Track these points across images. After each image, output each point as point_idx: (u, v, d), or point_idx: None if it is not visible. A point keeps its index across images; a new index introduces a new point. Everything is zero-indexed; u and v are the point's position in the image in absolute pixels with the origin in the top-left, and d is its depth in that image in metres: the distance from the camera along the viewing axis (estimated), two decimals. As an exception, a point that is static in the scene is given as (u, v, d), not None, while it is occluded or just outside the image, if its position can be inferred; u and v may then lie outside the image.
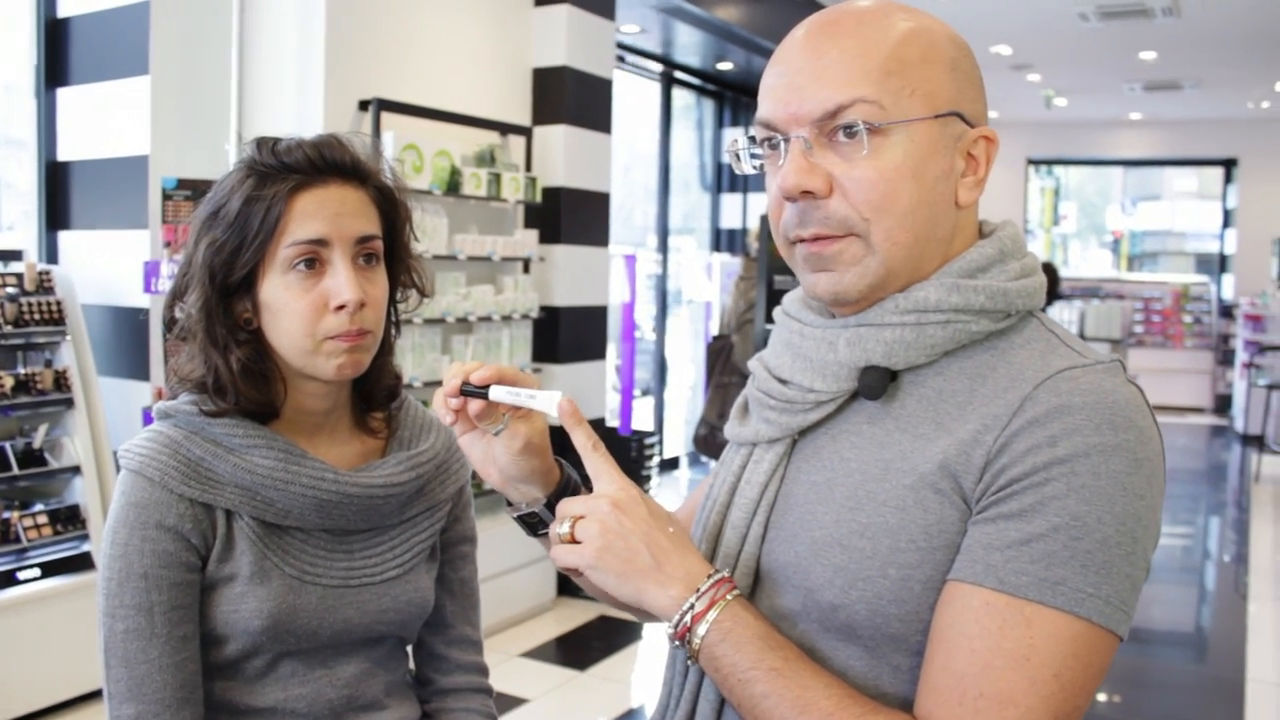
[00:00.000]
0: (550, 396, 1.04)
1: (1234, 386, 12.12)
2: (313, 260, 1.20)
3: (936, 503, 0.96)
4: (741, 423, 1.16)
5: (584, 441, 1.05)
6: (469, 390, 1.06)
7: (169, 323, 1.28)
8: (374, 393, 1.35)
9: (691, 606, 0.97)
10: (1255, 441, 10.26)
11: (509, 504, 1.17)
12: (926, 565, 0.96)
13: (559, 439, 1.13)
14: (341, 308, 1.20)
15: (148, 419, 3.86)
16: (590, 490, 1.07)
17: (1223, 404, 12.95)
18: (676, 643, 0.99)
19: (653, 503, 1.07)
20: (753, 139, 1.09)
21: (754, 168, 1.10)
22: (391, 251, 1.30)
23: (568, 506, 1.03)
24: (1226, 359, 12.89)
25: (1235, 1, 7.99)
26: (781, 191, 1.02)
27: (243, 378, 1.22)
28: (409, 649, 1.44)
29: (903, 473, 0.99)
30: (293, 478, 1.22)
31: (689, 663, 1.07)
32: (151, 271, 3.90)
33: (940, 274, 1.03)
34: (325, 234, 1.20)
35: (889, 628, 0.97)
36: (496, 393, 1.05)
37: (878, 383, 1.02)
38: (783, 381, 1.09)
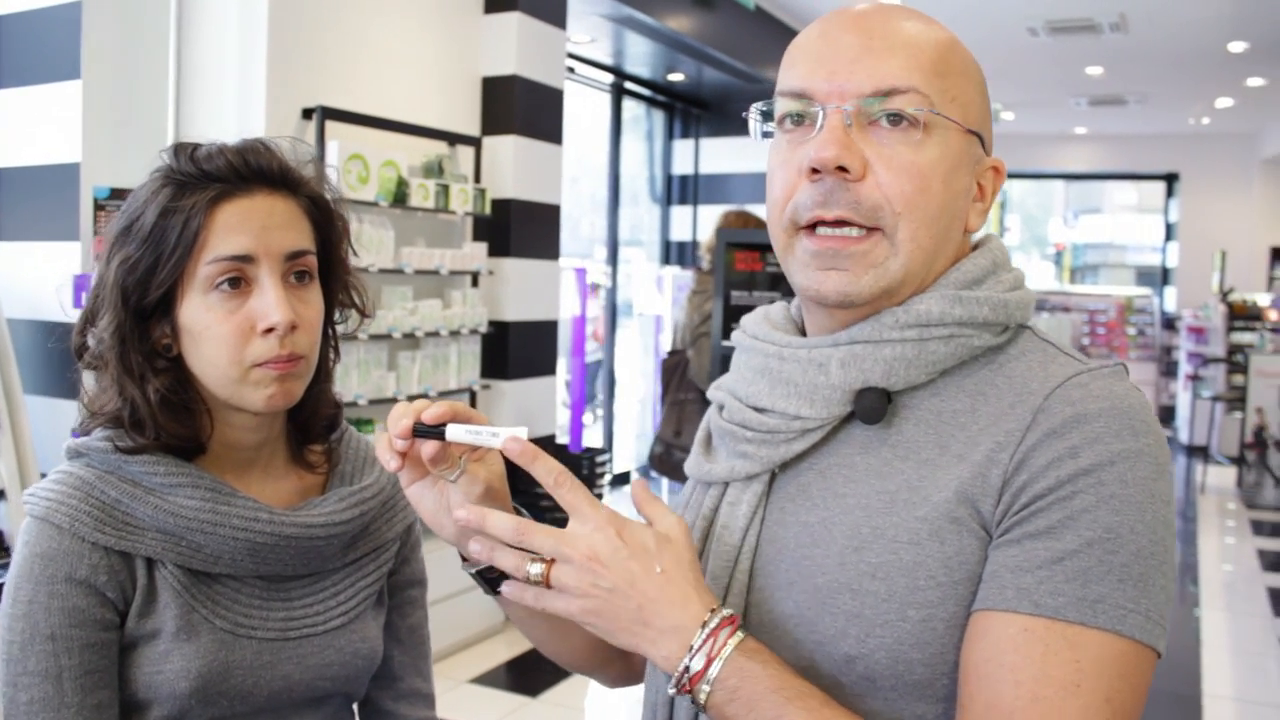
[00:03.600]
0: (513, 434, 0.91)
1: (1177, 398, 12.25)
2: (237, 279, 1.08)
3: (954, 533, 0.88)
4: (706, 458, 1.07)
5: (548, 479, 0.90)
6: (422, 431, 0.93)
7: (78, 350, 1.14)
8: (311, 424, 1.23)
9: (687, 669, 0.86)
10: (1200, 453, 10.37)
11: (464, 559, 1.01)
12: (949, 602, 0.87)
13: (510, 475, 1.02)
14: (270, 331, 1.08)
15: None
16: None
17: (1166, 415, 13.10)
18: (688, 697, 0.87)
19: (642, 529, 0.91)
20: (765, 114, 1.00)
21: (764, 135, 1.02)
22: (327, 268, 1.18)
23: (537, 539, 0.88)
24: (1170, 371, 13.03)
25: (1180, 18, 8.07)
26: (814, 162, 0.92)
27: (162, 410, 1.09)
28: (355, 707, 1.30)
29: (911, 504, 0.90)
30: (222, 519, 1.09)
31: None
32: (82, 285, 3.73)
33: (938, 286, 0.96)
34: (250, 249, 1.08)
35: (912, 674, 0.88)
36: (454, 432, 0.92)
37: (876, 406, 0.94)
38: (760, 410, 0.99)
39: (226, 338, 1.08)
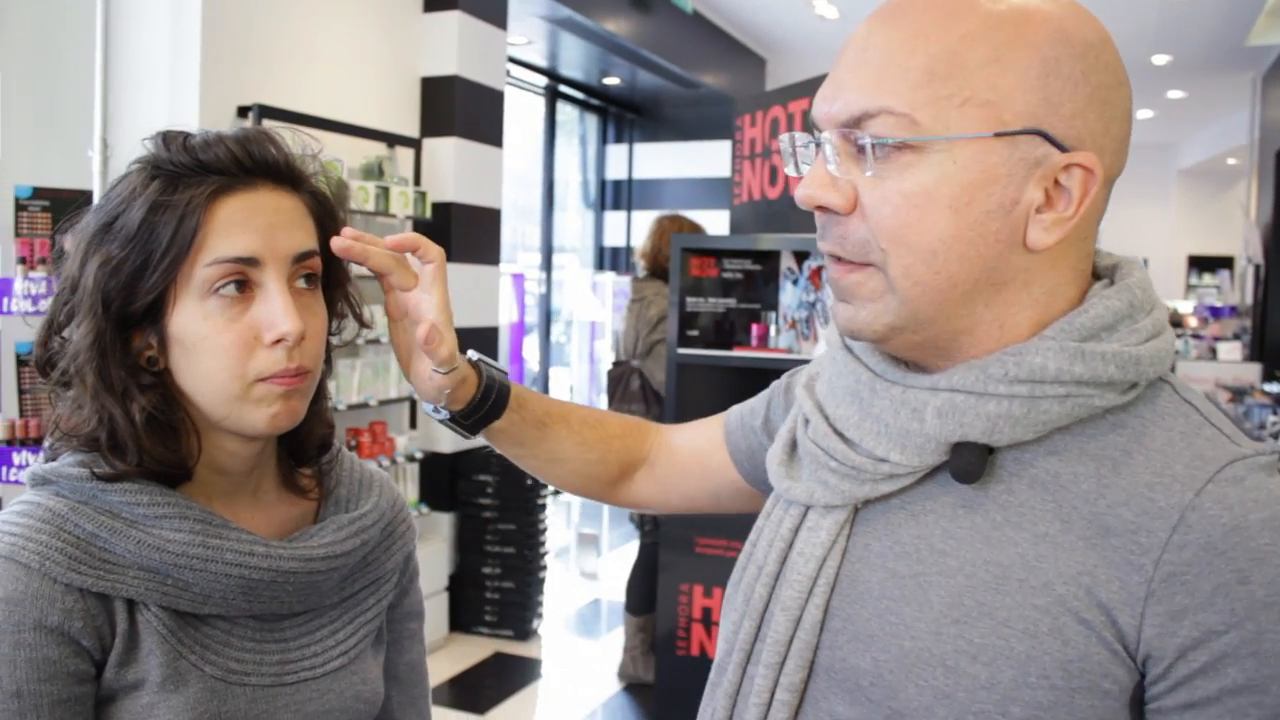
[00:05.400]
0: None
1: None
2: (241, 282, 0.96)
3: (1080, 635, 0.78)
4: (789, 471, 0.95)
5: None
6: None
7: (43, 364, 1.00)
8: (305, 445, 1.10)
9: None
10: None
11: (444, 411, 1.14)
12: (1061, 710, 0.77)
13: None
14: (279, 341, 0.96)
15: (1, 457, 3.47)
16: (506, 375, 1.18)
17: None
18: None
19: None
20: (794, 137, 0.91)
21: (799, 171, 0.91)
22: (328, 272, 1.07)
23: None
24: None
25: (1106, 29, 8.19)
26: (797, 201, 0.86)
27: (148, 431, 0.95)
28: None
29: (1030, 587, 0.80)
30: (213, 554, 0.95)
31: None
32: (3, 290, 3.52)
33: (1057, 333, 0.83)
34: (256, 250, 0.95)
35: None
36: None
37: (976, 464, 0.83)
38: (846, 440, 0.89)
39: (228, 349, 0.95)
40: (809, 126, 0.90)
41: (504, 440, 1.21)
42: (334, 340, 1.12)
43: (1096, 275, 0.90)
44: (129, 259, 0.93)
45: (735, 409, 1.24)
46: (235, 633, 1.01)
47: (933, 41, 0.81)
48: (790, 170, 0.92)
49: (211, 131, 0.98)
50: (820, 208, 0.85)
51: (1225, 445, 0.81)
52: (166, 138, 0.97)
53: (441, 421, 1.16)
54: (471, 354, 1.17)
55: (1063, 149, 0.81)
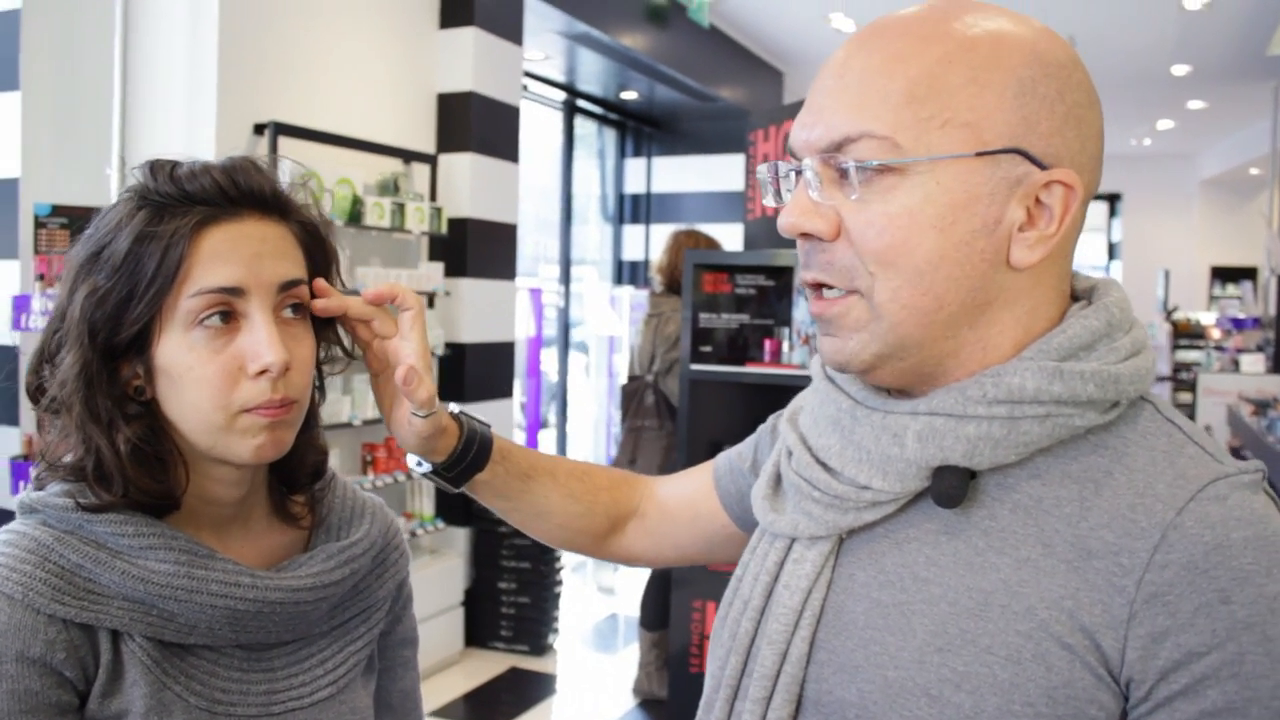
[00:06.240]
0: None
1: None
2: (226, 313, 0.95)
3: (1064, 661, 0.76)
4: (774, 504, 0.95)
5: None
6: None
7: (34, 391, 1.00)
8: (297, 473, 1.10)
9: None
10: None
11: (427, 466, 1.16)
12: None
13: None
14: (263, 372, 0.95)
15: (17, 471, 3.50)
16: (489, 428, 1.18)
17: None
18: None
19: None
20: (774, 167, 0.91)
21: (780, 200, 0.91)
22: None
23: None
24: (1116, 389, 13.18)
25: (1126, 41, 8.17)
26: (780, 230, 0.85)
27: (133, 462, 0.95)
28: None
29: (1012, 613, 0.79)
30: (198, 585, 0.95)
31: None
32: (21, 306, 3.55)
33: (1035, 354, 0.83)
34: (241, 280, 0.95)
35: None
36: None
37: (957, 488, 0.82)
38: (828, 469, 0.89)
39: (211, 380, 0.95)
40: (790, 154, 0.90)
41: (488, 493, 1.20)
42: (325, 370, 1.12)
43: (1075, 297, 0.91)
44: (115, 289, 0.93)
45: (723, 455, 1.24)
46: (221, 662, 1.00)
47: (911, 65, 0.81)
48: (769, 200, 0.92)
49: (198, 161, 0.98)
50: (804, 234, 0.85)
51: (1209, 464, 0.80)
52: (154, 167, 0.97)
53: (425, 475, 1.17)
54: (453, 407, 1.18)
55: (1042, 167, 0.82)
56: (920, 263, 0.81)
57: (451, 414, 1.16)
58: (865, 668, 0.84)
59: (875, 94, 0.81)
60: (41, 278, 3.52)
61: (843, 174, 0.82)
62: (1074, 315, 0.86)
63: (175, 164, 0.97)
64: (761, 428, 1.19)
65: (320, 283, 1.04)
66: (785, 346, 3.51)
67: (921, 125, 0.80)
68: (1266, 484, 0.82)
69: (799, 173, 0.86)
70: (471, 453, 1.15)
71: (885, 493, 0.85)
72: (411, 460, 1.16)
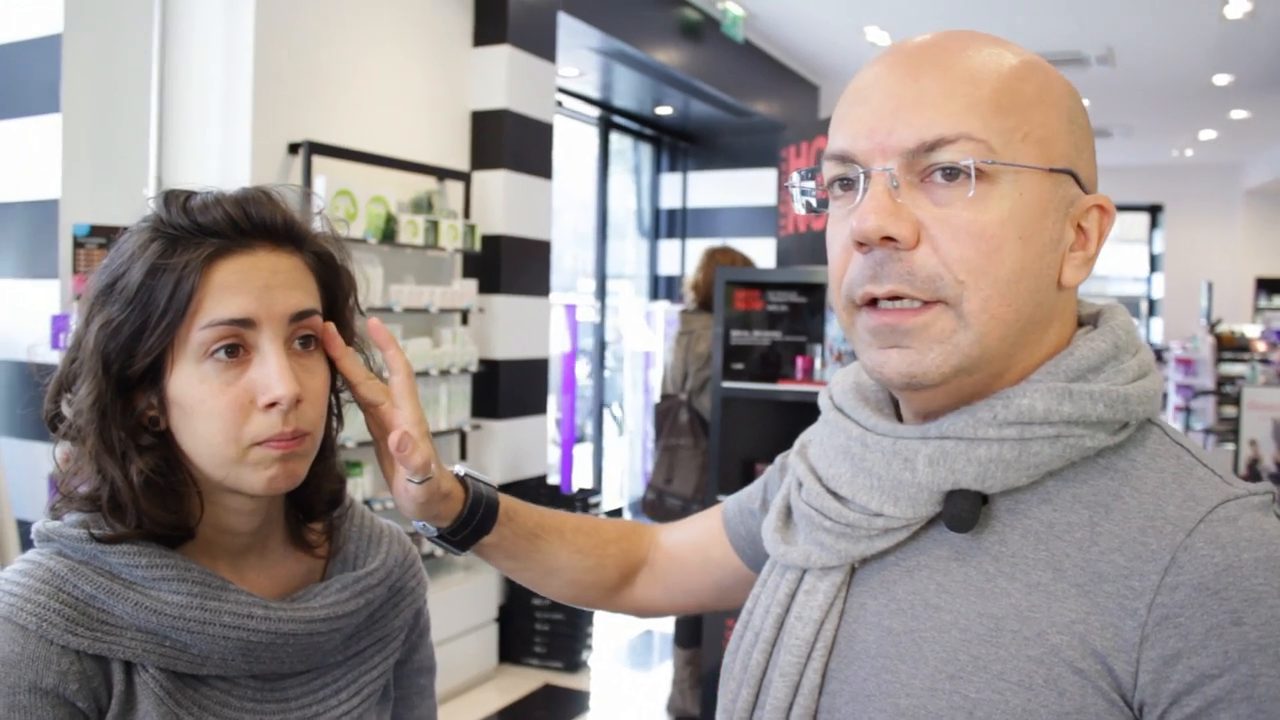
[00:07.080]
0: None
1: (1167, 431, 12.18)
2: (235, 346, 0.95)
3: (1076, 686, 0.75)
4: (784, 536, 0.95)
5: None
6: None
7: (52, 419, 1.01)
8: (313, 502, 1.10)
9: None
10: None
11: (432, 530, 1.13)
12: None
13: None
14: (273, 405, 0.95)
15: (54, 486, 3.54)
16: (494, 489, 1.15)
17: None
18: None
19: None
20: (810, 173, 0.89)
21: (808, 207, 0.90)
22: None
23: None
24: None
25: (1166, 51, 8.07)
26: (856, 236, 0.81)
27: (146, 494, 0.95)
28: None
29: (1023, 638, 0.77)
30: (211, 616, 0.95)
31: None
32: (60, 325, 3.60)
33: (1043, 375, 0.83)
34: (251, 312, 0.95)
35: None
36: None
37: (969, 512, 0.81)
38: (839, 498, 0.88)
39: (222, 412, 0.95)
40: (820, 164, 0.89)
41: (496, 555, 1.18)
42: (344, 396, 1.12)
43: (1080, 323, 0.91)
44: (128, 321, 0.94)
45: (731, 498, 1.22)
46: (235, 693, 1.00)
47: (993, 76, 0.82)
48: (799, 208, 0.91)
49: (212, 192, 0.98)
50: (885, 239, 0.82)
51: (1218, 485, 0.79)
52: (168, 198, 0.97)
53: (431, 539, 1.14)
54: (459, 468, 1.15)
55: (1086, 191, 0.85)
56: (1009, 273, 0.81)
57: (457, 476, 1.14)
58: (877, 696, 0.83)
59: (965, 98, 0.81)
60: (79, 297, 3.57)
61: (924, 179, 0.81)
62: (1081, 339, 0.86)
63: (189, 195, 0.98)
64: (769, 468, 1.18)
65: (329, 329, 1.03)
66: (818, 364, 3.49)
67: (1008, 134, 0.81)
68: (1278, 506, 0.81)
69: (845, 183, 0.84)
70: (477, 517, 1.13)
71: (897, 519, 0.84)
72: (417, 524, 1.13)
